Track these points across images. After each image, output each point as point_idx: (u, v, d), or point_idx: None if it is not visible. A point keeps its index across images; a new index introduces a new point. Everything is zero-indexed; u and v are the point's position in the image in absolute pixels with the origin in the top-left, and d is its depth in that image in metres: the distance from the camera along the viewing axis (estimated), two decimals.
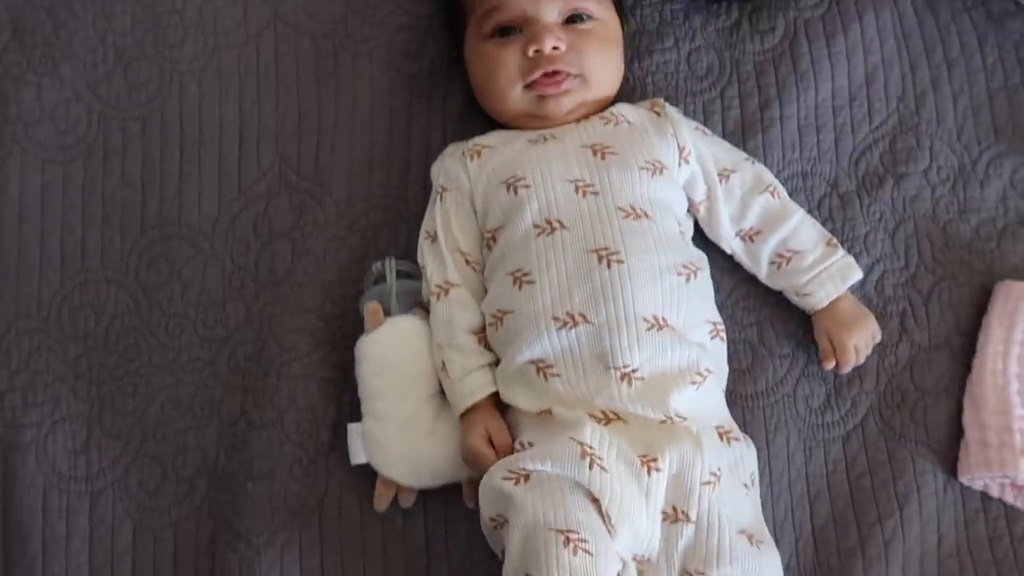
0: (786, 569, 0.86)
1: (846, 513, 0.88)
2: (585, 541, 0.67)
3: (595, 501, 0.71)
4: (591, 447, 0.72)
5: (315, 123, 0.96)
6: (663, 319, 0.77)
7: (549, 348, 0.77)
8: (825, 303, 0.88)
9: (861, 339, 0.87)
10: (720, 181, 0.88)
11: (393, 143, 0.96)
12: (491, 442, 0.79)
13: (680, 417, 0.75)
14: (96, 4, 0.99)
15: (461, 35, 0.92)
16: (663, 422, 0.75)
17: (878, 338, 0.89)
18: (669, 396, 0.75)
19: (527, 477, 0.71)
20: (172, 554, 0.88)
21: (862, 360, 0.88)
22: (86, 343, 0.92)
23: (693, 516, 0.73)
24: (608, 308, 0.76)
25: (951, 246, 0.95)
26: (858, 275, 0.89)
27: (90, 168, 0.96)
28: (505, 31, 0.86)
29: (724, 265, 0.92)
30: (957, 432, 0.90)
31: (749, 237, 0.89)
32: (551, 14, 0.85)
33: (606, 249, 0.78)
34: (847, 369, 0.88)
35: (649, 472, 0.72)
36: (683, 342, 0.77)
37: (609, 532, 0.70)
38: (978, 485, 0.89)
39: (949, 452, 0.90)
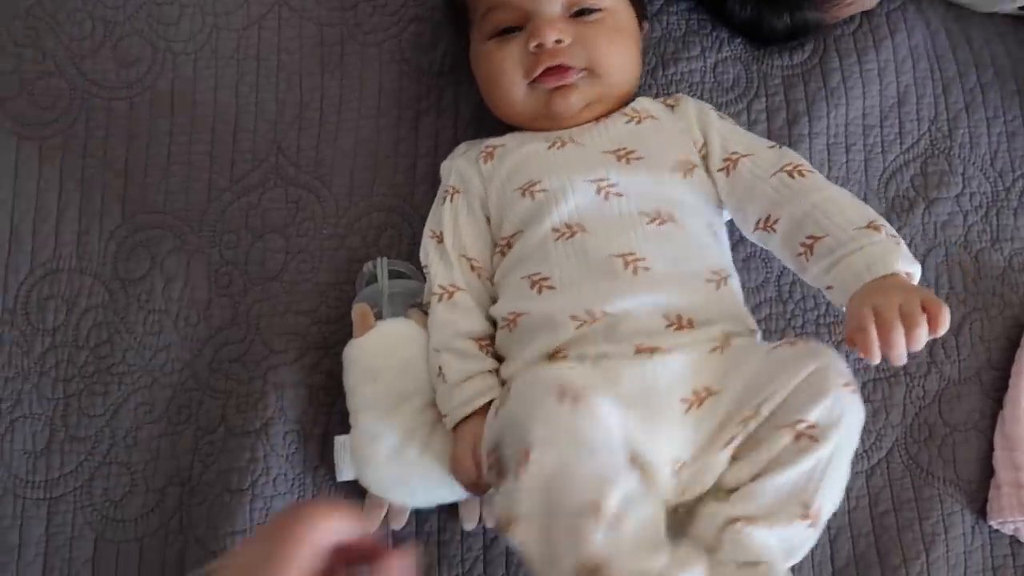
0: None
1: (868, 554, 0.83)
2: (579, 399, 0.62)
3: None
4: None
5: (317, 114, 0.90)
6: (689, 320, 0.71)
7: (566, 340, 0.71)
8: (852, 292, 0.68)
9: (887, 304, 0.64)
10: (727, 170, 0.79)
11: (400, 139, 0.90)
12: None
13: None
14: None
15: (463, 40, 0.87)
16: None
17: (941, 313, 0.63)
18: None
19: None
20: (136, 570, 0.80)
21: (914, 346, 0.64)
22: (54, 337, 0.84)
23: (717, 387, 0.67)
24: (628, 303, 0.71)
25: (983, 276, 0.90)
26: (901, 265, 0.67)
27: (69, 148, 0.89)
28: (507, 30, 0.81)
29: (749, 285, 0.86)
30: (987, 472, 0.85)
31: (769, 227, 0.76)
32: (553, 7, 0.79)
33: (631, 254, 0.72)
34: (901, 359, 0.64)
35: (651, 355, 0.68)
36: (707, 340, 0.71)
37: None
38: (1008, 529, 0.84)
39: (978, 493, 0.85)
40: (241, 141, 0.89)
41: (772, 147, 0.79)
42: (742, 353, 0.70)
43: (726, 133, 0.81)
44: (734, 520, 0.65)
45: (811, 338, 0.70)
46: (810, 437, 0.64)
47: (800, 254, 0.73)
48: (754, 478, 0.66)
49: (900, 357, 0.64)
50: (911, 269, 0.69)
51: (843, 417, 0.65)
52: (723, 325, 0.72)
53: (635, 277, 0.72)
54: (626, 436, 0.64)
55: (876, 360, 0.64)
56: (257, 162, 0.89)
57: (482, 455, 0.68)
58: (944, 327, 0.63)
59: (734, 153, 0.79)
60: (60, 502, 0.81)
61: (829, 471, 0.66)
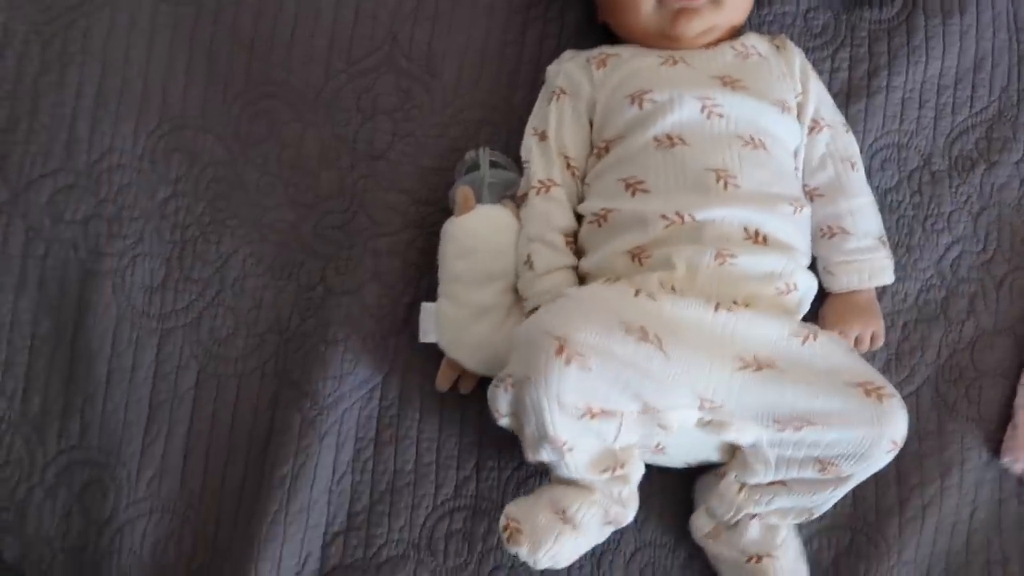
0: (822, 521, 0.88)
1: (889, 473, 0.90)
2: (583, 355, 0.70)
3: (643, 331, 0.72)
4: (647, 291, 0.75)
5: (433, 9, 0.96)
6: (764, 237, 0.78)
7: (651, 238, 0.78)
8: (844, 290, 0.88)
9: (851, 335, 0.87)
10: (812, 129, 0.88)
11: (507, 43, 0.96)
12: None
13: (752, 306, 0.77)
14: None
15: None
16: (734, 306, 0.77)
17: (879, 342, 0.88)
18: (751, 286, 0.77)
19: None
20: (233, 403, 0.89)
21: (874, 347, 0.89)
22: (176, 186, 0.93)
23: (782, 365, 0.74)
24: (716, 213, 0.78)
25: None
26: (887, 280, 0.89)
27: (202, 18, 0.96)
28: None
29: None
30: (1006, 416, 0.92)
31: (811, 195, 0.88)
32: None
33: (724, 170, 0.79)
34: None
35: (717, 308, 0.74)
36: (780, 255, 0.79)
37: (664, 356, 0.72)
38: (1018, 469, 0.91)
39: (996, 433, 0.92)
40: (360, 27, 0.96)
41: (847, 130, 0.91)
42: (821, 354, 0.75)
43: (821, 95, 0.91)
44: (748, 516, 0.80)
45: (891, 395, 0.75)
46: (838, 478, 0.76)
47: (824, 233, 0.88)
48: (772, 483, 0.79)
49: None
50: (888, 280, 0.89)
51: (872, 470, 0.77)
52: (791, 257, 0.80)
53: (725, 191, 0.78)
54: (637, 391, 0.72)
55: None
56: (374, 47, 0.95)
57: None
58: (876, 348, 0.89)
59: (822, 118, 0.89)
60: (171, 334, 0.90)
61: (841, 493, 0.79)
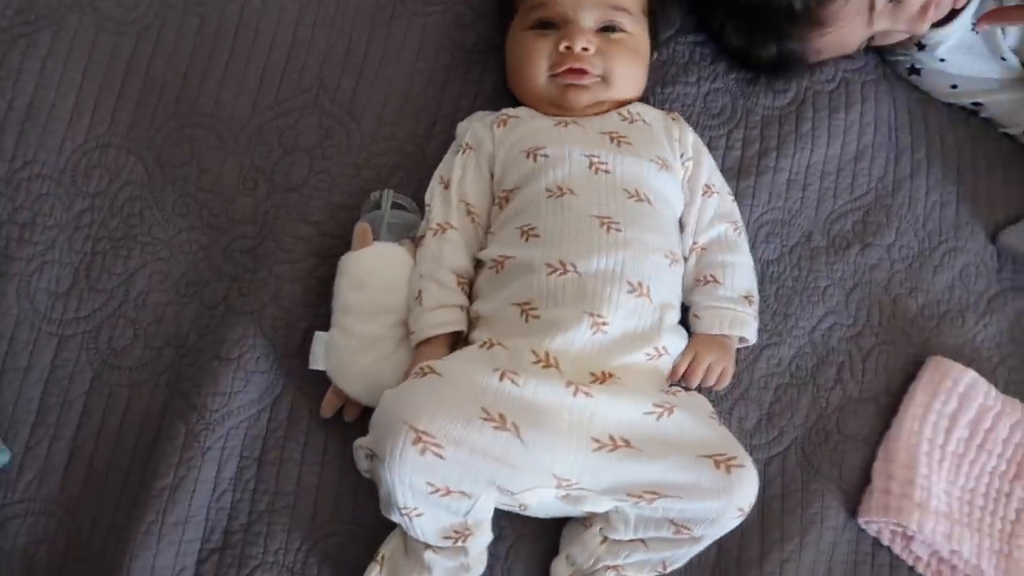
0: (687, 567, 0.92)
1: (753, 528, 0.94)
2: (439, 446, 0.74)
3: (501, 418, 0.76)
4: (512, 371, 0.79)
5: (360, 61, 1.04)
6: (646, 287, 0.84)
7: (537, 291, 0.83)
8: (710, 332, 0.92)
9: (704, 362, 0.90)
10: (704, 194, 0.96)
11: (427, 98, 1.04)
12: None
13: (619, 378, 0.82)
14: None
15: (505, 24, 1.01)
16: (600, 379, 0.81)
17: (725, 381, 0.92)
18: (623, 356, 0.82)
19: (428, 372, 0.79)
20: (123, 412, 0.91)
21: (707, 383, 0.91)
22: (93, 200, 0.97)
23: (636, 444, 0.78)
24: (599, 262, 0.83)
25: (897, 316, 1.04)
26: (748, 333, 0.93)
27: (141, 47, 1.02)
28: (545, 25, 0.95)
29: None
30: (865, 479, 0.98)
31: (697, 251, 0.95)
32: (588, 20, 0.94)
33: (608, 218, 0.85)
34: (693, 384, 0.90)
35: (576, 393, 0.78)
36: (655, 314, 0.84)
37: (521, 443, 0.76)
38: (873, 529, 0.96)
39: (855, 495, 0.97)
40: (290, 70, 1.02)
41: (733, 200, 1.00)
42: (676, 429, 0.80)
43: (712, 167, 0.99)
44: (606, 567, 0.83)
45: (740, 465, 0.80)
46: (692, 538, 0.82)
47: (699, 282, 0.94)
48: (632, 540, 0.83)
49: (691, 384, 0.90)
50: (750, 336, 0.94)
51: (721, 532, 0.82)
52: (664, 315, 0.87)
53: (607, 235, 0.85)
54: (491, 478, 0.77)
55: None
56: (301, 90, 1.02)
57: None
58: (721, 387, 0.93)
59: (713, 185, 0.98)
60: (69, 340, 0.92)
61: (696, 550, 0.84)
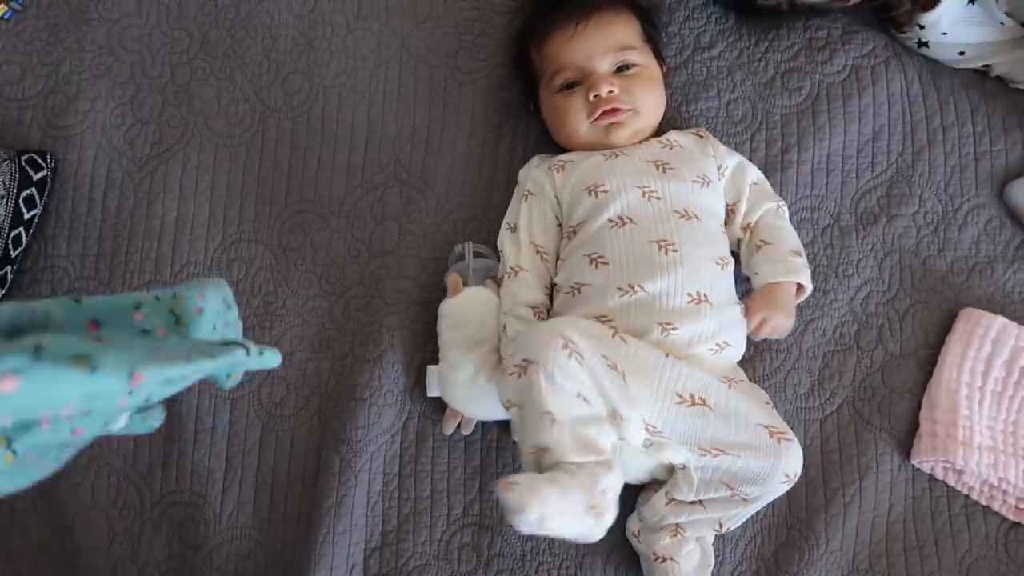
0: (763, 517, 1.09)
1: (816, 479, 1.10)
2: (580, 355, 0.88)
3: (613, 363, 0.91)
4: (622, 333, 0.96)
5: (425, 134, 1.23)
6: (703, 295, 1.00)
7: (611, 307, 1.00)
8: (764, 282, 1.04)
9: (756, 317, 1.01)
10: (752, 184, 1.12)
11: (484, 155, 1.22)
12: None
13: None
14: (265, 28, 1.28)
15: (531, 92, 1.18)
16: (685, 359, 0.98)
17: (778, 334, 1.03)
18: (691, 350, 0.98)
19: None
20: (289, 450, 1.15)
21: (775, 335, 1.04)
22: (236, 287, 1.20)
23: (711, 403, 0.94)
24: (662, 282, 0.99)
25: (928, 277, 1.16)
26: (803, 280, 1.04)
27: (251, 154, 1.25)
28: (570, 85, 1.11)
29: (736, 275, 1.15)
30: (914, 425, 1.11)
31: (748, 228, 1.10)
32: (603, 66, 1.10)
33: (664, 240, 1.01)
34: (759, 338, 1.04)
35: (667, 357, 0.95)
36: (715, 315, 1.00)
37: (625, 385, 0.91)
38: (926, 468, 1.10)
39: (906, 440, 1.11)
40: (370, 152, 1.23)
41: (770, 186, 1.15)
42: (742, 398, 0.96)
43: (748, 162, 1.14)
44: (668, 525, 1.01)
45: (790, 440, 0.95)
46: (744, 499, 0.97)
47: (753, 248, 1.07)
48: (692, 503, 0.99)
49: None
50: (804, 281, 1.06)
51: (772, 495, 0.97)
52: (724, 314, 1.01)
53: (666, 256, 1.00)
54: (608, 395, 0.90)
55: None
56: (380, 168, 1.22)
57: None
58: (779, 336, 1.05)
59: (756, 176, 1.13)
60: (239, 401, 1.17)
61: (748, 512, 0.99)
